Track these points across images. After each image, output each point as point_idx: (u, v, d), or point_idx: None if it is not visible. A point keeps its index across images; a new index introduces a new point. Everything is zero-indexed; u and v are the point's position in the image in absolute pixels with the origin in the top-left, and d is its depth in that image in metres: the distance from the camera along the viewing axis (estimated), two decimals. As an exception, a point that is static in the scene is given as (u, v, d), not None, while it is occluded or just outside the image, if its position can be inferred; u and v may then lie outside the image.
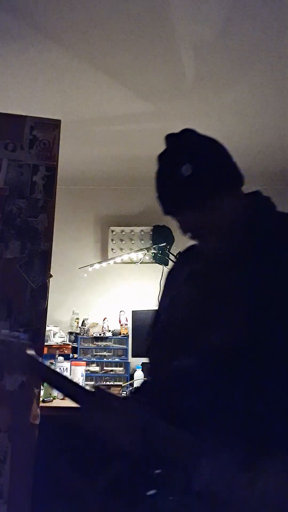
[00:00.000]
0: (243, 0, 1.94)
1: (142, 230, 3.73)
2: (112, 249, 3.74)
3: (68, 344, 3.25)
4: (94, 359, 3.30)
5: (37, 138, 1.86)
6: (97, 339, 3.39)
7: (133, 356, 3.21)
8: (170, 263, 3.43)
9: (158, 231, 3.64)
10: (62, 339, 3.33)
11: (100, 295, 3.67)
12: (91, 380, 2.99)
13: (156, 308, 1.24)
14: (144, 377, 1.07)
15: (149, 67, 2.39)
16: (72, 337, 3.41)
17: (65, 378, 1.08)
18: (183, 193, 1.04)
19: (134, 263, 3.59)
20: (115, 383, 3.14)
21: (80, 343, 3.36)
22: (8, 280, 1.72)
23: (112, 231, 3.75)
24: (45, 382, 1.17)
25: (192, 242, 1.15)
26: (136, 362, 3.13)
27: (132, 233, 3.73)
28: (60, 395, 2.58)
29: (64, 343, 3.26)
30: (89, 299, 3.66)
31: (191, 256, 1.18)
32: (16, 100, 2.63)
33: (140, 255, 3.47)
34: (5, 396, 1.64)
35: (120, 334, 3.40)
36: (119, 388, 3.02)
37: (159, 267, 3.53)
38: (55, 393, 2.59)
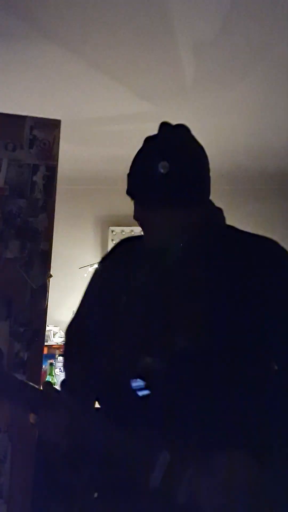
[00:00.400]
0: (243, 0, 1.94)
1: (142, 230, 3.73)
2: (112, 249, 3.74)
3: (68, 344, 3.25)
4: (94, 359, 3.29)
5: (37, 138, 1.86)
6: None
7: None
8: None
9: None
10: (62, 339, 3.32)
11: (100, 295, 3.67)
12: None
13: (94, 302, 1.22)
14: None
15: (149, 67, 2.39)
16: (72, 337, 3.41)
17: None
18: (154, 188, 1.04)
19: (134, 263, 3.58)
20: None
21: (80, 343, 3.35)
22: (8, 280, 1.72)
23: (112, 231, 3.75)
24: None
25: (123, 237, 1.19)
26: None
27: (132, 233, 3.73)
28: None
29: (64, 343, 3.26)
30: (89, 299, 3.65)
31: (130, 253, 1.17)
32: (16, 100, 2.63)
33: (140, 255, 3.46)
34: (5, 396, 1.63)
35: (120, 334, 3.40)
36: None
37: (159, 267, 3.52)
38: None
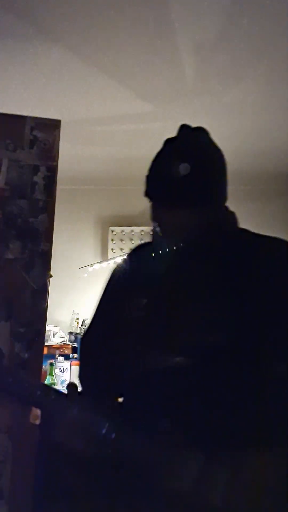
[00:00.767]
0: (243, 0, 1.94)
1: (142, 230, 3.73)
2: (112, 249, 3.74)
3: (68, 344, 3.26)
4: (94, 359, 3.29)
5: (37, 138, 1.85)
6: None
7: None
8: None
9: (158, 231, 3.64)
10: (62, 339, 3.33)
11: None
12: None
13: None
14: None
15: (149, 67, 2.39)
16: (72, 337, 3.42)
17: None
18: (174, 189, 1.05)
19: (134, 263, 3.58)
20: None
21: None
22: (8, 280, 1.72)
23: (112, 231, 3.75)
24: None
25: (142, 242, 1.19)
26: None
27: (132, 233, 3.74)
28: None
29: (64, 343, 3.26)
30: (89, 299, 3.66)
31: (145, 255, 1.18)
32: (16, 100, 2.63)
33: (140, 255, 3.47)
34: (5, 396, 1.63)
35: (120, 334, 3.40)
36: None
37: (159, 267, 3.52)
38: (55, 393, 2.59)
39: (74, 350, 3.32)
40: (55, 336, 3.32)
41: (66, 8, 1.98)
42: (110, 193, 3.83)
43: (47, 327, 2.15)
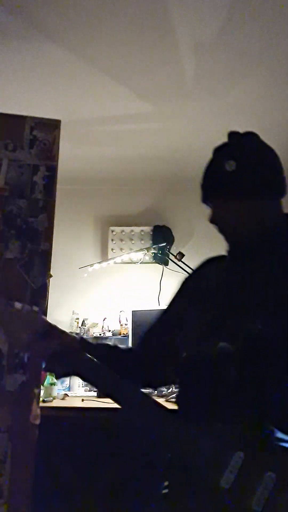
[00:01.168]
0: (244, 0, 1.94)
1: (142, 230, 3.73)
2: (112, 249, 3.74)
3: (68, 344, 3.25)
4: (94, 359, 3.29)
5: (37, 138, 1.86)
6: (97, 339, 3.39)
7: (133, 356, 3.21)
8: (170, 263, 3.44)
9: (158, 231, 3.64)
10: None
11: (100, 295, 3.67)
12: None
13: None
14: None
15: (149, 67, 2.39)
16: (72, 337, 3.41)
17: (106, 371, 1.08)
18: (229, 184, 1.11)
19: (134, 263, 3.59)
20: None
21: (80, 343, 3.35)
22: (8, 280, 1.72)
23: (112, 231, 3.75)
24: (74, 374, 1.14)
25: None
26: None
27: (132, 233, 3.73)
28: (60, 395, 2.59)
29: (64, 343, 3.26)
30: (89, 299, 3.66)
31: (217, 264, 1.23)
32: (16, 100, 2.63)
33: (140, 255, 3.47)
34: (5, 396, 1.64)
35: (120, 334, 3.40)
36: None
37: (159, 267, 3.53)
38: (55, 393, 2.59)
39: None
40: (55, 336, 3.32)
41: (66, 8, 1.98)
42: (110, 193, 3.83)
43: (47, 327, 2.15)
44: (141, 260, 3.51)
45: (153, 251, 3.43)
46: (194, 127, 2.98)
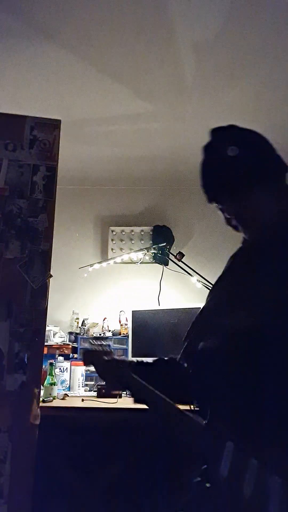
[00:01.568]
0: (243, 0, 1.94)
1: (142, 230, 3.73)
2: (112, 249, 3.74)
3: (68, 344, 3.25)
4: (94, 359, 3.29)
5: (37, 138, 1.86)
6: (97, 339, 3.38)
7: (133, 356, 3.21)
8: (171, 263, 3.44)
9: (158, 231, 3.64)
10: (62, 339, 3.32)
11: (100, 295, 3.67)
12: (91, 380, 2.99)
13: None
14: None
15: (149, 67, 2.39)
16: (72, 337, 3.41)
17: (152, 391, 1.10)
18: (229, 174, 1.07)
19: (134, 263, 3.59)
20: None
21: (80, 343, 3.36)
22: (8, 280, 1.72)
23: (112, 231, 3.75)
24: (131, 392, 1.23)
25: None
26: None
27: (132, 233, 3.73)
28: (60, 395, 2.58)
29: (64, 343, 3.26)
30: (89, 299, 3.66)
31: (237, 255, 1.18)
32: (16, 100, 2.63)
33: (140, 255, 3.47)
34: (5, 396, 1.64)
35: (120, 334, 3.40)
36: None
37: (159, 267, 3.53)
38: (55, 393, 2.59)
39: (74, 350, 3.32)
40: (55, 336, 3.32)
41: (66, 8, 1.98)
42: (110, 193, 3.83)
43: (47, 327, 2.15)
44: (141, 260, 3.51)
45: (153, 251, 3.43)
46: (194, 127, 2.97)
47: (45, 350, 2.99)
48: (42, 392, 2.33)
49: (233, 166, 1.06)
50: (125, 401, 2.36)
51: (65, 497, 1.14)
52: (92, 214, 3.85)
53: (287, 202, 1.07)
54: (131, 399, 1.21)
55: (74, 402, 2.42)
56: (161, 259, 3.49)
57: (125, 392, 2.45)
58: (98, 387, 2.57)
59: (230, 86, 2.55)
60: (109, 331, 3.43)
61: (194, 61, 2.33)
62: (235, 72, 2.43)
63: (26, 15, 2.03)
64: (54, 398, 2.51)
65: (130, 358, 3.24)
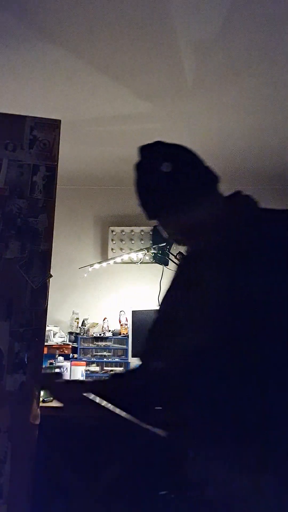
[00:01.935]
0: (243, 0, 1.94)
1: (142, 230, 3.73)
2: (112, 249, 3.74)
3: (68, 344, 3.25)
4: (94, 359, 3.30)
5: (37, 138, 1.85)
6: (97, 339, 3.39)
7: (133, 356, 3.21)
8: (170, 263, 3.43)
9: (158, 231, 3.64)
10: (62, 339, 3.32)
11: (100, 295, 3.67)
12: (91, 380, 2.99)
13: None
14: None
15: (149, 67, 2.39)
16: (72, 337, 3.41)
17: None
18: (165, 190, 1.08)
19: (134, 263, 3.59)
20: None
21: (80, 343, 3.36)
22: (8, 280, 1.71)
23: (112, 231, 3.74)
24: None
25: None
26: (136, 362, 3.13)
27: (132, 233, 3.73)
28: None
29: (64, 343, 3.26)
30: (89, 299, 3.66)
31: (188, 260, 1.20)
32: (16, 100, 2.63)
33: (140, 255, 3.47)
34: (5, 396, 1.63)
35: (120, 334, 3.40)
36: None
37: (159, 267, 3.52)
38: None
39: (74, 350, 3.32)
40: (55, 336, 3.32)
41: (66, 8, 1.98)
42: (110, 193, 3.83)
43: (47, 327, 2.15)
44: (141, 260, 3.51)
45: (153, 251, 3.43)
46: (194, 127, 2.97)
47: (45, 350, 2.99)
48: (42, 392, 2.33)
49: (168, 182, 1.08)
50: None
51: (65, 497, 1.14)
52: (92, 214, 3.85)
53: (223, 211, 1.09)
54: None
55: (74, 402, 2.41)
56: (161, 259, 3.49)
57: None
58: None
59: (230, 86, 2.55)
60: (109, 331, 3.43)
61: (194, 61, 2.33)
62: (235, 72, 2.43)
63: (26, 15, 2.03)
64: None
65: (129, 358, 3.25)
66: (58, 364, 2.74)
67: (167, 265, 3.51)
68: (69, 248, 3.67)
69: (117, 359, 3.29)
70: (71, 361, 2.88)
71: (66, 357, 2.96)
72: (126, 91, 2.59)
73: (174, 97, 2.66)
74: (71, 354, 3.21)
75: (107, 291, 3.68)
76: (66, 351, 3.18)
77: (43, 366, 2.33)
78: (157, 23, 2.06)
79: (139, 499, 0.90)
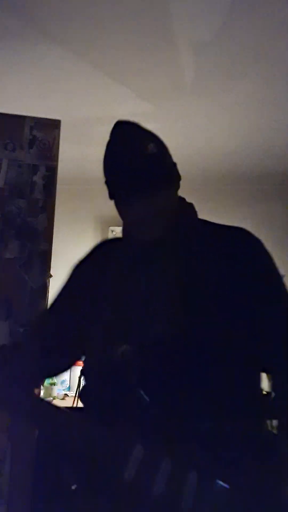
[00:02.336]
0: (243, 0, 1.94)
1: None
2: (112, 249, 3.74)
3: (68, 344, 3.25)
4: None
5: (37, 138, 1.86)
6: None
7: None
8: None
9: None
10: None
11: (100, 295, 3.67)
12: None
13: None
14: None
15: (149, 67, 2.39)
16: (72, 337, 3.41)
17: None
18: (145, 172, 1.03)
19: (134, 263, 3.58)
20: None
21: (80, 343, 3.35)
22: (8, 280, 1.72)
23: (112, 231, 3.74)
24: None
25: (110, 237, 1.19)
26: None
27: (132, 233, 3.74)
28: (60, 395, 2.59)
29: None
30: (89, 299, 3.65)
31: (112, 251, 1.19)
32: (16, 100, 2.63)
33: (140, 255, 3.46)
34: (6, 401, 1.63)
35: (120, 334, 3.40)
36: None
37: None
38: (55, 393, 2.59)
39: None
40: (55, 336, 3.32)
41: (66, 8, 1.98)
42: (110, 193, 3.83)
43: (46, 327, 2.14)
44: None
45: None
46: (194, 127, 2.97)
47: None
48: (42, 392, 2.33)
49: (151, 164, 1.03)
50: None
51: (65, 497, 1.14)
52: (92, 214, 3.84)
53: (176, 212, 1.08)
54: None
55: (74, 402, 2.41)
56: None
57: None
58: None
59: (230, 86, 2.55)
60: (109, 331, 3.42)
61: (194, 61, 2.33)
62: (235, 72, 2.43)
63: (26, 15, 2.03)
64: (54, 398, 2.52)
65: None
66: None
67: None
68: (69, 248, 3.66)
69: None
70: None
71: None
72: (126, 91, 2.59)
73: (174, 97, 2.66)
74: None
75: (107, 291, 3.68)
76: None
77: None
78: (157, 23, 2.06)
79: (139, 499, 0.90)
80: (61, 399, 2.55)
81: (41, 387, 2.18)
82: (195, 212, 1.14)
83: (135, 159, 1.06)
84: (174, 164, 1.12)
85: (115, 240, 1.25)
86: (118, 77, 2.47)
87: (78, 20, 2.05)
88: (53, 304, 1.22)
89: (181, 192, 1.15)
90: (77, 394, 2.58)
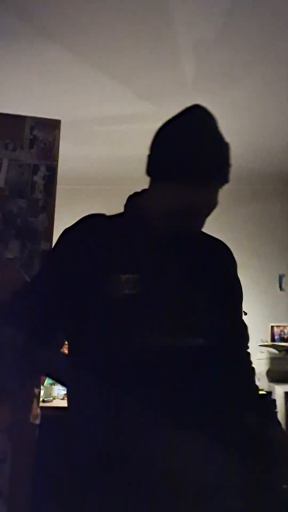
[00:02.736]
0: (243, 0, 1.94)
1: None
2: (112, 249, 3.74)
3: (68, 344, 3.25)
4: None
5: (37, 138, 1.86)
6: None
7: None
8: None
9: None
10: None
11: (100, 295, 3.67)
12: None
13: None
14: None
15: (149, 67, 2.39)
16: (72, 337, 3.41)
17: None
18: (227, 158, 1.06)
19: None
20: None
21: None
22: (8, 280, 1.72)
23: (112, 231, 3.75)
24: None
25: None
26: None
27: (132, 233, 3.73)
28: (60, 395, 2.59)
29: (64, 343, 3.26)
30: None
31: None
32: (16, 100, 2.63)
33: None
34: (5, 396, 1.63)
35: (120, 334, 3.40)
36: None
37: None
38: (55, 393, 2.59)
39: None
40: (55, 336, 3.32)
41: (66, 8, 1.98)
42: (110, 193, 3.82)
43: (47, 327, 2.14)
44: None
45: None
46: (194, 127, 2.97)
47: (45, 350, 2.98)
48: (42, 392, 2.33)
49: (228, 153, 1.07)
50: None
51: (65, 497, 1.14)
52: (92, 214, 3.84)
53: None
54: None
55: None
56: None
57: None
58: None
59: (230, 86, 2.55)
60: (109, 331, 3.42)
61: (194, 61, 2.33)
62: (235, 72, 2.43)
63: (26, 15, 2.03)
64: (54, 398, 2.52)
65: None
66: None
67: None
68: (69, 248, 3.67)
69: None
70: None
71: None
72: (126, 91, 2.59)
73: (174, 97, 2.66)
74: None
75: (107, 291, 3.68)
76: (66, 351, 3.17)
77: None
78: (157, 23, 2.06)
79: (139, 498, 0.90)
80: (61, 399, 2.55)
81: (41, 387, 2.19)
82: None
83: (219, 145, 1.08)
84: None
85: (104, 216, 1.21)
86: (118, 77, 2.47)
87: (78, 20, 2.05)
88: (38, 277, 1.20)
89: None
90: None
